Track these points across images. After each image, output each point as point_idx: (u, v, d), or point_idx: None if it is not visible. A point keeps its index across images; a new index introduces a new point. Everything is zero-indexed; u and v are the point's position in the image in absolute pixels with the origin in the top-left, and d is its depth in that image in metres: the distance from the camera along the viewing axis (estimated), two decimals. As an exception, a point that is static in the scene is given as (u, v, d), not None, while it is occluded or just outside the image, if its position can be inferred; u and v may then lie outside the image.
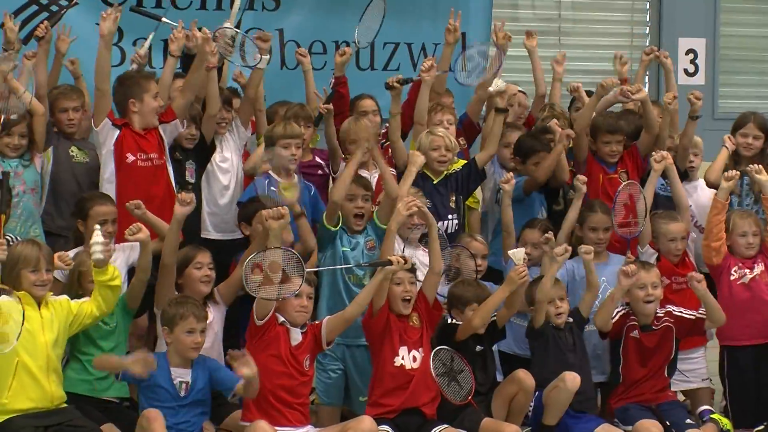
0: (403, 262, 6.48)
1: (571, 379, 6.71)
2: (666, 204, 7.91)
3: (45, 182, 7.37)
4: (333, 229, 6.98)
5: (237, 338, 6.82)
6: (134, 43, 7.97)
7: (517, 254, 6.86)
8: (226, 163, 7.58)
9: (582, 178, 7.66)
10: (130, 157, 7.08)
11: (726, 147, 8.00)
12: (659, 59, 8.56)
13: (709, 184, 7.99)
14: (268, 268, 6.17)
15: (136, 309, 6.72)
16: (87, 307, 6.38)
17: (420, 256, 7.17)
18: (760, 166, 7.61)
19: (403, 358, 6.64)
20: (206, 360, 6.34)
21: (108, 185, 7.10)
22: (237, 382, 6.18)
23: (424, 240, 7.18)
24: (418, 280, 6.87)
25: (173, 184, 7.20)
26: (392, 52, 8.91)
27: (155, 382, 6.17)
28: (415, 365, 6.64)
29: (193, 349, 6.26)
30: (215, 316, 6.78)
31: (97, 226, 6.36)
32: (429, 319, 6.79)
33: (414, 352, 6.67)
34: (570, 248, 7.10)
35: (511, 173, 7.57)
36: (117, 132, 7.10)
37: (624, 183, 7.56)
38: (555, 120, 7.93)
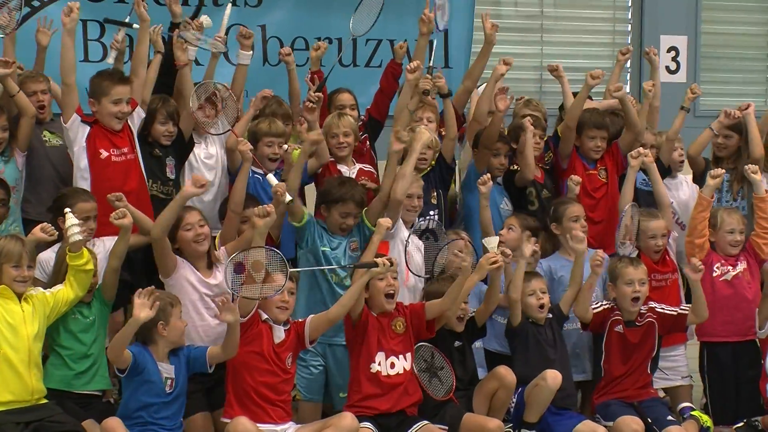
0: (389, 264, 6.41)
1: (553, 377, 6.70)
2: (647, 199, 7.90)
3: (21, 170, 7.30)
4: (299, 225, 6.94)
5: None
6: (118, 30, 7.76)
7: (491, 242, 6.88)
8: (212, 159, 7.52)
9: (576, 178, 7.72)
10: (104, 153, 7.00)
11: (710, 128, 8.11)
12: (647, 56, 8.54)
13: (690, 159, 8.17)
14: (251, 267, 6.14)
15: (113, 299, 6.67)
16: (62, 294, 6.38)
17: (415, 241, 7.17)
18: (756, 166, 7.66)
19: (379, 364, 6.59)
20: (182, 350, 6.36)
21: (82, 182, 7.02)
22: (205, 353, 6.27)
23: (425, 235, 7.22)
24: (420, 274, 6.92)
25: (145, 179, 7.15)
26: (375, 48, 8.92)
27: (148, 376, 6.19)
28: (392, 372, 6.59)
29: (183, 335, 6.32)
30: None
31: (68, 210, 6.37)
32: (417, 333, 6.73)
33: (393, 359, 6.61)
34: (534, 246, 7.12)
35: (488, 174, 7.54)
36: (88, 128, 7.01)
37: (628, 205, 7.52)
38: (528, 118, 7.90)
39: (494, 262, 6.73)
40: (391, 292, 6.60)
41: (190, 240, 6.70)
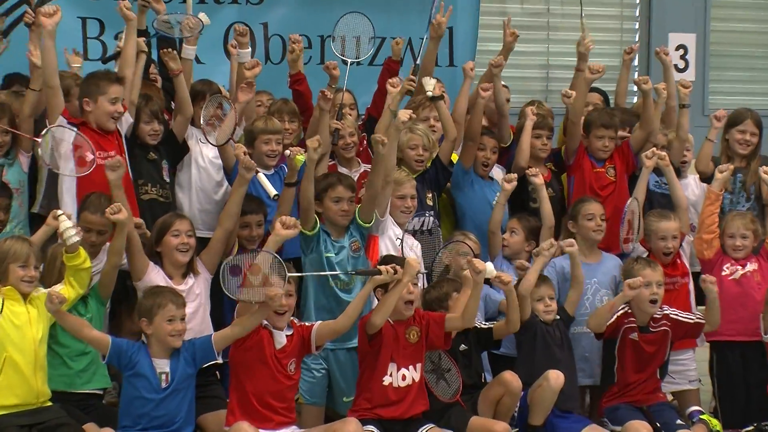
0: (393, 272, 6.27)
1: (555, 378, 6.63)
2: (661, 201, 7.85)
3: (26, 172, 7.25)
4: (311, 233, 6.87)
5: (221, 307, 6.85)
6: (116, 37, 7.86)
7: (489, 268, 6.62)
8: (219, 160, 7.43)
9: (533, 170, 7.59)
10: (90, 156, 6.79)
11: (709, 139, 8.07)
12: (659, 56, 8.34)
13: (701, 174, 8.04)
14: (249, 270, 6.06)
15: (109, 298, 6.66)
16: (63, 293, 6.25)
17: (409, 241, 7.17)
18: None
19: (391, 375, 6.49)
20: (183, 345, 6.26)
21: (68, 183, 6.89)
22: (209, 339, 6.21)
23: (421, 233, 7.25)
24: (419, 270, 6.77)
25: (132, 183, 7.04)
26: (379, 46, 8.75)
27: (139, 371, 6.14)
28: (403, 384, 6.50)
29: (174, 337, 6.19)
30: (201, 287, 6.75)
31: (59, 212, 6.33)
32: (430, 344, 6.61)
33: (404, 371, 6.51)
34: (555, 242, 7.06)
35: (515, 174, 7.54)
36: (75, 130, 6.86)
37: (629, 200, 7.51)
38: (531, 108, 7.87)
39: (508, 283, 6.62)
40: (411, 298, 6.48)
41: (174, 247, 6.68)
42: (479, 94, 7.65)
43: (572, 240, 7.10)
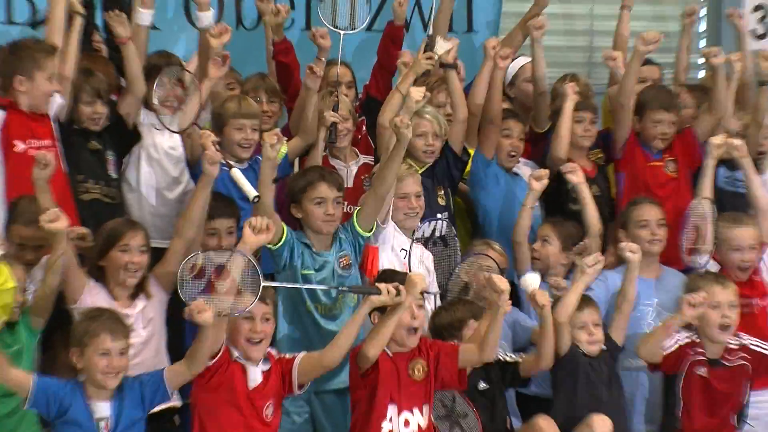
0: (395, 293, 5.63)
1: (601, 424, 6.04)
2: (733, 202, 7.17)
3: None
4: (274, 248, 6.17)
5: (181, 334, 6.28)
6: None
7: (529, 281, 6.14)
8: (177, 151, 6.83)
9: (569, 166, 6.98)
10: (20, 146, 6.26)
11: None
12: (731, 19, 7.78)
13: None
14: (214, 273, 5.60)
15: (44, 326, 6.04)
16: None
17: (419, 252, 6.67)
18: None
19: (390, 421, 5.83)
20: (125, 383, 5.58)
21: None
22: (161, 375, 5.63)
23: (433, 242, 6.78)
24: (429, 291, 6.30)
25: (67, 179, 6.46)
26: (378, 8, 8.09)
27: (71, 417, 5.48)
28: (407, 431, 5.85)
29: (108, 375, 5.51)
30: (156, 311, 6.15)
31: None
32: (441, 382, 5.99)
33: (406, 414, 5.86)
34: (602, 258, 6.36)
35: (546, 170, 6.86)
36: (2, 114, 6.33)
37: (697, 200, 6.85)
38: (572, 84, 7.33)
39: (543, 305, 6.07)
40: (416, 325, 5.88)
41: (120, 266, 6.04)
42: (497, 64, 7.09)
43: (636, 245, 6.46)
